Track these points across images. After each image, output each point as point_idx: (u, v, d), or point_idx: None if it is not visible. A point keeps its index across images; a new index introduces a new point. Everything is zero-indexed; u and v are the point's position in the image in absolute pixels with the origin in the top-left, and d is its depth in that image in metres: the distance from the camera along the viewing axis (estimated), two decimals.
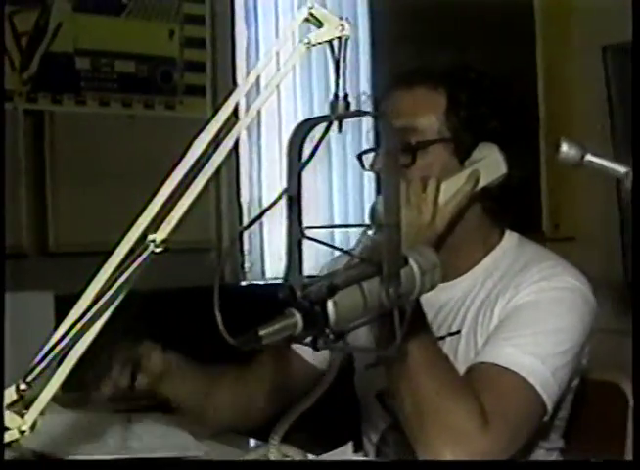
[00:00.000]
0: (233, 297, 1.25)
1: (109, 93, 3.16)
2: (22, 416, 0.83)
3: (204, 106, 3.31)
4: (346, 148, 3.45)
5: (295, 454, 1.26)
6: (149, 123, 3.22)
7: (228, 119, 0.88)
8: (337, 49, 0.93)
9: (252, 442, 1.59)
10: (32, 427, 0.83)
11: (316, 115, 1.00)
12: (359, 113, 0.97)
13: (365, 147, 1.58)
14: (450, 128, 1.47)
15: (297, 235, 0.93)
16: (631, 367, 1.32)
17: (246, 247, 3.42)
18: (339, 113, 0.93)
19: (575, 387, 1.52)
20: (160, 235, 0.82)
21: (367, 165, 1.51)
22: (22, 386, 0.81)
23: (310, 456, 1.25)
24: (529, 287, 1.42)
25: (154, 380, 1.55)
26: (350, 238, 3.15)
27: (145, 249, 0.81)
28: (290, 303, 0.88)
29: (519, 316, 1.39)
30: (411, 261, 0.98)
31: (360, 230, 1.17)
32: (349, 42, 0.94)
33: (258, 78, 0.92)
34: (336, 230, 3.36)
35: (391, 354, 1.15)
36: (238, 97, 0.90)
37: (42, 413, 0.86)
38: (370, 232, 1.15)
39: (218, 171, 0.87)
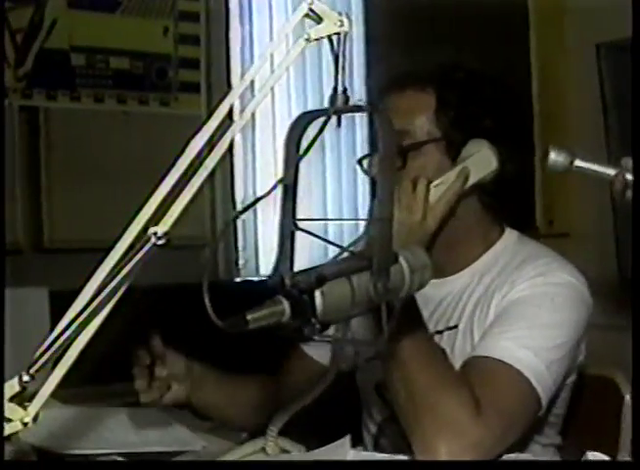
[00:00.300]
0: (227, 293, 1.26)
1: (103, 89, 3.17)
2: (24, 408, 0.83)
3: (198, 102, 3.31)
4: (340, 144, 3.46)
5: (292, 447, 1.27)
6: (143, 120, 3.22)
7: (230, 115, 0.89)
8: (336, 44, 0.94)
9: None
10: (35, 419, 0.84)
11: None
12: (357, 108, 0.98)
13: (359, 143, 1.59)
14: (441, 128, 1.48)
15: (289, 225, 0.93)
16: (625, 362, 1.33)
17: (240, 243, 3.42)
18: (337, 106, 0.94)
19: (572, 384, 1.52)
20: (162, 228, 0.82)
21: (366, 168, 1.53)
22: (26, 377, 0.81)
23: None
24: (525, 282, 1.43)
25: (182, 390, 1.57)
26: (344, 232, 3.14)
27: (147, 242, 0.81)
28: (278, 290, 0.89)
29: (514, 311, 1.40)
30: (401, 259, 0.99)
31: (352, 225, 1.18)
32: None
33: (253, 79, 0.92)
34: (329, 225, 3.36)
35: (379, 348, 1.16)
36: (238, 93, 0.90)
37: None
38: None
39: (213, 171, 0.88)
